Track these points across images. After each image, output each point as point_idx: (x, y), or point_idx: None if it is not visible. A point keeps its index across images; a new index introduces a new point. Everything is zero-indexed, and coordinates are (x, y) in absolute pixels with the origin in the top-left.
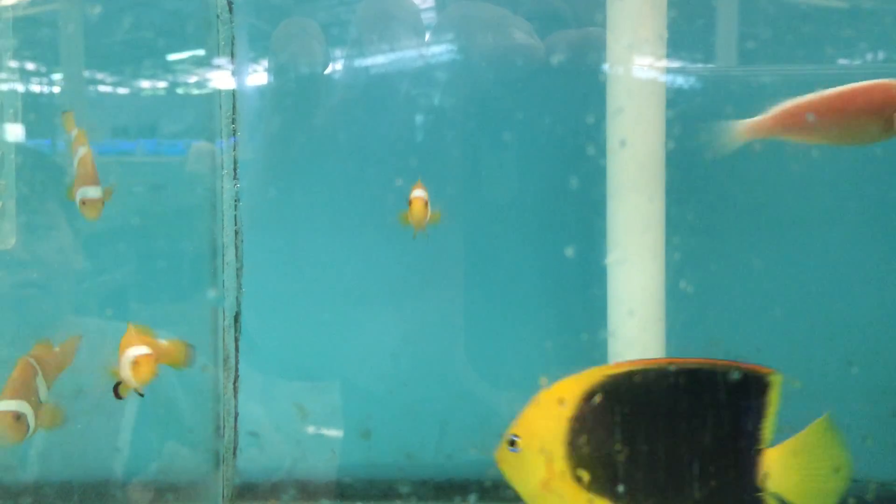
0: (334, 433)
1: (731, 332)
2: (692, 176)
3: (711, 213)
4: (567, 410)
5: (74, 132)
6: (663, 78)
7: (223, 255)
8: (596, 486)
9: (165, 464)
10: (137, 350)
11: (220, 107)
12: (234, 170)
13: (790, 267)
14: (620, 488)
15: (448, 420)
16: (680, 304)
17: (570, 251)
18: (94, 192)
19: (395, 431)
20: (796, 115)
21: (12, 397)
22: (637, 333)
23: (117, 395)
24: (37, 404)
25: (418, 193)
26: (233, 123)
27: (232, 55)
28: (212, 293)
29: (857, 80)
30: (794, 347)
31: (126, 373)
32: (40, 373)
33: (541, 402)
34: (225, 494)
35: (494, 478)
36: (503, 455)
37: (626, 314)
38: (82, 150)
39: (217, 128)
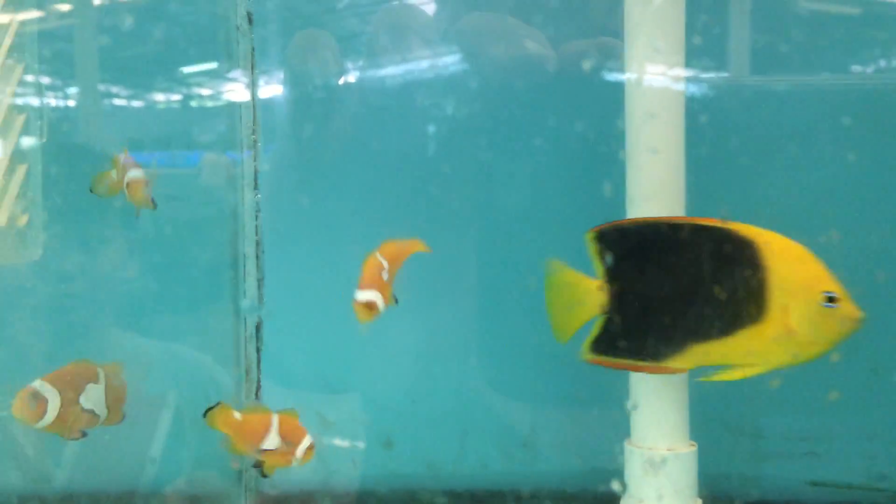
0: (356, 443)
1: None
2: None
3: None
4: None
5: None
6: (683, 86)
7: (244, 266)
8: None
9: (189, 476)
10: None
11: (241, 118)
12: (255, 180)
13: None
14: None
15: (468, 430)
16: None
17: (585, 259)
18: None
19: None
20: None
21: (369, 287)
22: None
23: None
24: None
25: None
26: (253, 134)
27: (252, 67)
28: (233, 304)
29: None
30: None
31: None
32: (386, 266)
33: None
34: None
35: (520, 487)
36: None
37: None
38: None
39: (238, 139)
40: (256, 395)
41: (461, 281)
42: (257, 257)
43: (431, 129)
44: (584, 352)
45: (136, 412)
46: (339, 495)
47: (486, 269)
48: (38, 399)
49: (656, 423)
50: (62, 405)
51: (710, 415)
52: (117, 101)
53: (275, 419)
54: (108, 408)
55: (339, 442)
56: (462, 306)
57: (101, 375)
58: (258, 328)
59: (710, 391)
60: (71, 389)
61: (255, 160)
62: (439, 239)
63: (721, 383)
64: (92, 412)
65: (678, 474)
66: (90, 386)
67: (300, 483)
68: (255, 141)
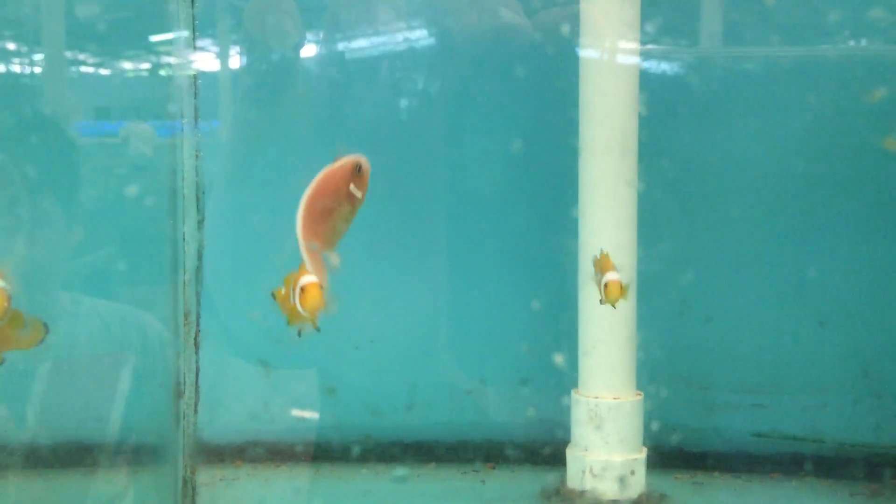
0: (299, 391)
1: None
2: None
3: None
4: None
5: None
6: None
7: (183, 209)
8: None
9: (123, 423)
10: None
11: (182, 87)
12: (195, 115)
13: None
14: None
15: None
16: (651, 262)
17: (539, 215)
18: None
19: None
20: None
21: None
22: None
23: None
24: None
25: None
26: (195, 98)
27: (194, 33)
28: (172, 248)
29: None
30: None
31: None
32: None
33: None
34: (186, 454)
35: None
36: None
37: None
38: None
39: (179, 108)
40: (196, 340)
41: (416, 233)
42: (198, 199)
43: (396, 96)
44: None
45: (72, 365)
46: (283, 446)
47: (439, 220)
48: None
49: (602, 373)
50: None
51: (659, 367)
52: (65, 69)
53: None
54: None
55: (281, 388)
56: (412, 257)
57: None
58: (198, 271)
59: (660, 343)
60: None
61: (196, 105)
62: (392, 194)
63: (670, 335)
64: None
65: (623, 423)
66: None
67: (242, 433)
68: (196, 106)
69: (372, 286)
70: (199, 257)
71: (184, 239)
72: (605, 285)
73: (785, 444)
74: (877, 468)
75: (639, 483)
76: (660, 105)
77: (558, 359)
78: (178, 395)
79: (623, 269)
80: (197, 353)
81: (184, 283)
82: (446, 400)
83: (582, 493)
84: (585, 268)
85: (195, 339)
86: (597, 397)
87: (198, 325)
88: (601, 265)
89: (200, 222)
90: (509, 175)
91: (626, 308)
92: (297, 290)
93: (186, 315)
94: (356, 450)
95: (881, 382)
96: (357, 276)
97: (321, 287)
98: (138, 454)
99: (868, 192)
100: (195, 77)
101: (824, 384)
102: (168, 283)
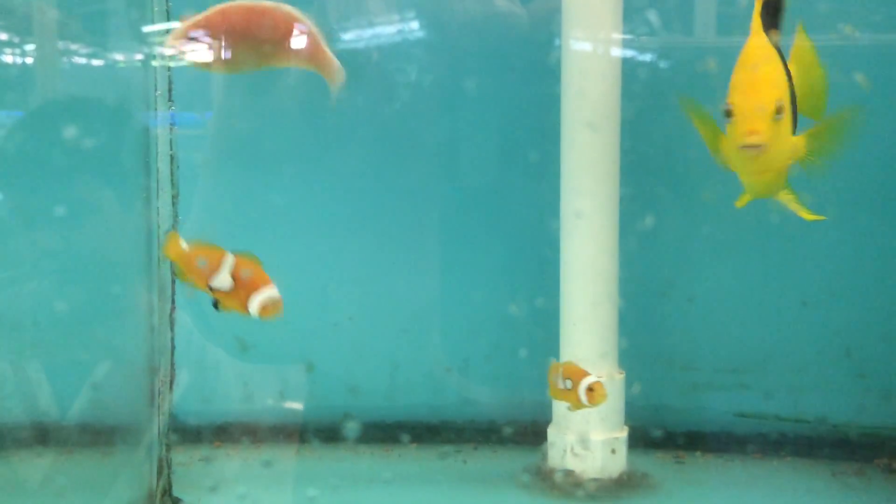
0: (278, 370)
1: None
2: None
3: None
4: None
5: None
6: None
7: (157, 181)
8: None
9: (96, 401)
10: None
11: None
12: (170, 93)
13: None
14: None
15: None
16: (634, 241)
17: (521, 192)
18: None
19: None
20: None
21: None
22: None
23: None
24: None
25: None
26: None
27: (168, 17)
28: (146, 222)
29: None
30: (752, 289)
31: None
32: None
33: None
34: (161, 432)
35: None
36: None
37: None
38: None
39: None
40: (171, 315)
41: (398, 210)
42: (172, 172)
43: (388, 85)
44: None
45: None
46: (262, 426)
47: (421, 197)
48: None
49: (584, 351)
50: None
51: (643, 347)
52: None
53: (229, 258)
54: None
55: (258, 366)
56: (394, 232)
57: None
58: None
59: (643, 323)
60: None
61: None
62: (375, 172)
63: (654, 314)
64: None
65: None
66: None
67: (222, 414)
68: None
69: (352, 263)
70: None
71: (158, 214)
72: (590, 389)
73: (767, 424)
74: (859, 448)
75: (620, 461)
76: (644, 86)
77: (540, 338)
78: (153, 372)
79: (605, 251)
80: (172, 329)
81: (158, 258)
82: (428, 380)
83: (563, 471)
84: (567, 248)
85: (170, 315)
86: None
87: (173, 301)
88: (568, 372)
89: (175, 197)
90: (491, 154)
91: (609, 286)
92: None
93: (161, 290)
94: (336, 429)
95: (864, 362)
96: (338, 254)
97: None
98: (112, 432)
99: (850, 173)
100: (169, 66)
101: (807, 364)
102: (142, 259)
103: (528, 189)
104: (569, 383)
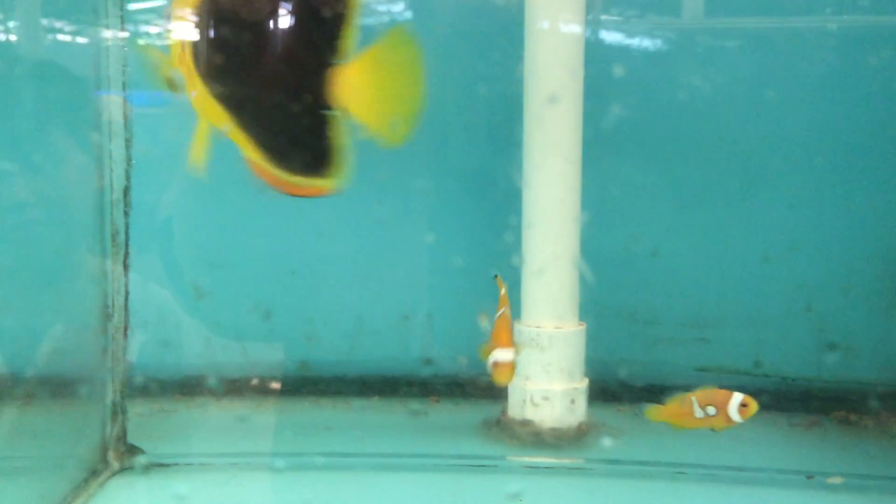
0: (236, 319)
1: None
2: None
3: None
4: None
5: None
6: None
7: (110, 126)
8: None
9: (51, 353)
10: None
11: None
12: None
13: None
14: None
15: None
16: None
17: (486, 149)
18: None
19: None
20: None
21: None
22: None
23: None
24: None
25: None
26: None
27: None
28: (98, 167)
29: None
30: (714, 244)
31: None
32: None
33: None
34: (115, 379)
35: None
36: None
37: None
38: None
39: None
40: (125, 261)
41: (361, 157)
42: (125, 116)
43: None
44: None
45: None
46: (226, 380)
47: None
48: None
49: (544, 302)
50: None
51: (605, 300)
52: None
53: None
54: None
55: (216, 314)
56: (355, 181)
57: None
58: (126, 191)
59: (605, 277)
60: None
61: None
62: None
63: (616, 269)
64: None
65: (565, 352)
66: None
67: (182, 367)
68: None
69: (312, 210)
70: (127, 177)
71: (110, 157)
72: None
73: (727, 378)
74: (818, 401)
75: (580, 412)
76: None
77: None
78: (107, 318)
79: (567, 205)
80: (126, 274)
81: (111, 202)
82: (388, 332)
83: (522, 421)
84: (530, 201)
85: (124, 260)
86: (538, 326)
87: (126, 246)
88: (705, 399)
89: (128, 140)
90: (461, 108)
91: (570, 238)
92: None
93: (114, 235)
94: (296, 381)
95: (824, 317)
96: (299, 201)
97: None
98: (69, 384)
99: (813, 129)
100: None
101: (767, 319)
102: (93, 203)
103: (493, 144)
104: (711, 409)
